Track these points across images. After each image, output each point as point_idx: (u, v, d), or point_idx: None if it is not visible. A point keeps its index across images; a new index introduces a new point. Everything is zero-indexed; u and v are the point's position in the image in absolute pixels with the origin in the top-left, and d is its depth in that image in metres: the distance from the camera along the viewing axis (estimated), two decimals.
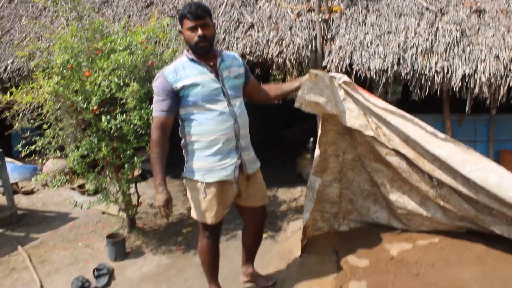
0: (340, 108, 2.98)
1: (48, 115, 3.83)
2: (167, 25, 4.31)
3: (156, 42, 4.56)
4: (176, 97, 2.57)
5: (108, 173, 4.00)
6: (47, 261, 4.00)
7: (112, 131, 3.67)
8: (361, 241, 3.32)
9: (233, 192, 2.75)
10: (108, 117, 3.64)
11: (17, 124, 3.99)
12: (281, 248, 3.88)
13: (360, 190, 3.50)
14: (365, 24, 4.78)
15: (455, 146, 2.81)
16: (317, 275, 3.04)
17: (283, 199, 5.14)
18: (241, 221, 3.21)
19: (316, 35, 4.77)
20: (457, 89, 4.19)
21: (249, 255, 3.23)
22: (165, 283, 3.51)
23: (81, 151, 3.69)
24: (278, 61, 4.80)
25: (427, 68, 4.24)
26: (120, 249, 3.92)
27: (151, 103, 3.69)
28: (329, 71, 4.51)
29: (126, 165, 3.87)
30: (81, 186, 5.55)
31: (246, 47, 4.88)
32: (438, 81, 4.21)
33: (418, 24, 4.60)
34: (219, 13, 5.32)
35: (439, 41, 4.38)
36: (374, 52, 4.46)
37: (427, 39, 4.41)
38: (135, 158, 3.88)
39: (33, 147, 3.80)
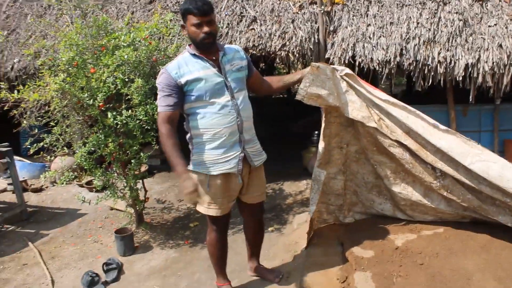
0: (343, 100, 2.99)
1: (55, 112, 3.88)
2: (170, 20, 4.33)
3: (159, 38, 4.59)
4: (181, 92, 2.59)
5: (115, 168, 4.05)
6: (57, 256, 4.06)
7: (118, 127, 3.71)
8: (366, 232, 3.35)
9: (238, 185, 2.79)
10: (114, 113, 3.68)
11: (25, 122, 4.04)
12: (287, 241, 3.91)
13: (364, 182, 3.53)
14: (367, 15, 4.78)
15: (457, 138, 2.83)
16: (323, 267, 3.08)
17: (288, 192, 5.18)
18: None
19: (318, 27, 4.78)
20: (461, 79, 4.19)
21: (253, 250, 3.26)
22: (173, 277, 3.56)
23: (88, 147, 3.73)
24: (281, 54, 4.82)
25: (430, 58, 4.24)
26: (128, 244, 3.98)
27: (156, 98, 3.75)
28: (332, 63, 4.52)
29: (132, 161, 3.92)
30: (89, 183, 5.61)
31: (249, 41, 4.89)
32: (441, 71, 4.21)
33: (420, 15, 4.59)
34: (221, 7, 5.33)
35: (441, 31, 4.37)
36: (377, 43, 4.46)
37: (430, 29, 4.40)
38: (142, 154, 3.92)
39: (41, 144, 3.85)
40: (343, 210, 3.66)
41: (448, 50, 4.25)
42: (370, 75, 4.57)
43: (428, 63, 4.24)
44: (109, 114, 3.66)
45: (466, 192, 2.96)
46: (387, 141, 3.08)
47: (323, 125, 3.24)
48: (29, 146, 3.85)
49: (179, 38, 4.71)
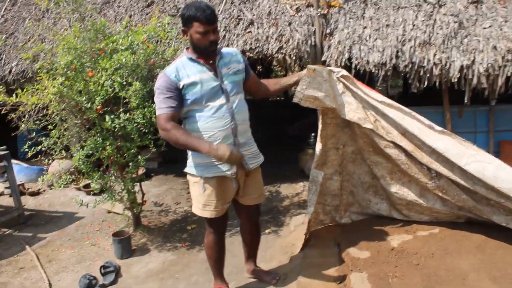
0: (339, 102, 3.01)
1: (53, 115, 3.89)
2: (168, 24, 4.36)
3: (157, 41, 4.61)
4: (180, 95, 2.60)
5: (113, 171, 4.07)
6: (55, 260, 4.07)
7: (116, 130, 3.74)
8: (362, 233, 3.36)
9: (232, 188, 2.80)
10: (112, 116, 3.70)
11: (23, 125, 4.06)
12: (284, 242, 3.93)
13: (360, 182, 3.55)
14: (363, 18, 4.80)
15: (452, 139, 2.85)
16: (319, 268, 3.08)
17: (285, 195, 5.20)
18: None
19: (315, 30, 4.80)
20: (456, 80, 4.21)
21: (250, 252, 3.28)
22: (171, 279, 3.58)
23: (86, 150, 3.75)
24: (278, 57, 4.84)
25: (426, 60, 4.26)
26: (126, 246, 3.99)
27: (153, 101, 3.77)
28: (329, 65, 4.54)
29: (130, 164, 3.94)
30: (86, 186, 5.63)
31: (246, 43, 4.92)
32: (436, 73, 4.23)
33: (416, 17, 4.61)
34: (219, 10, 5.35)
35: (437, 33, 4.40)
36: (373, 45, 4.48)
37: (425, 32, 4.43)
38: (139, 157, 3.95)
39: (39, 147, 3.87)
40: (340, 211, 3.67)
41: (443, 52, 4.27)
42: (366, 77, 4.59)
43: (423, 65, 4.27)
44: (107, 117, 3.68)
45: (461, 193, 2.98)
46: (383, 142, 3.10)
47: (320, 126, 3.25)
48: (27, 150, 3.87)
49: (176, 42, 4.73)
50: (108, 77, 3.67)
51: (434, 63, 4.23)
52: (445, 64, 4.21)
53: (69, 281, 3.68)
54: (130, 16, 5.82)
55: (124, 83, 3.71)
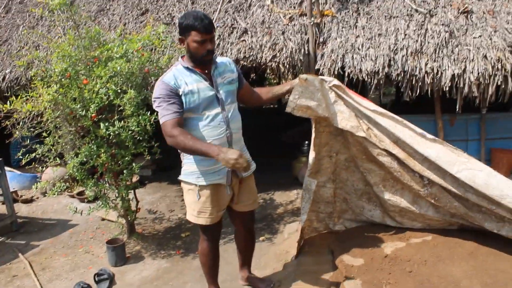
0: (332, 111, 3.05)
1: (47, 123, 3.89)
2: (162, 32, 4.38)
3: (151, 49, 4.63)
4: (181, 100, 2.59)
5: (107, 179, 4.06)
6: (48, 267, 4.05)
7: (111, 137, 3.74)
8: (356, 240, 3.39)
9: (227, 195, 2.82)
10: (107, 124, 3.71)
11: (17, 132, 4.05)
12: (278, 250, 3.94)
13: (354, 189, 3.58)
14: (356, 27, 4.86)
15: (444, 147, 2.89)
16: (313, 275, 3.11)
17: (279, 202, 5.21)
18: None
19: (308, 39, 4.85)
20: (447, 89, 4.27)
21: (244, 259, 3.29)
22: (165, 287, 3.58)
23: (80, 158, 3.75)
24: (271, 65, 4.88)
25: (417, 69, 4.32)
26: (120, 254, 3.98)
27: (148, 109, 3.78)
28: (322, 74, 4.58)
29: (125, 171, 3.94)
30: (80, 194, 5.61)
31: (240, 52, 4.95)
32: (428, 82, 4.28)
33: (408, 26, 4.68)
34: (213, 19, 5.39)
35: (428, 42, 4.46)
36: (366, 54, 4.54)
37: (417, 41, 4.49)
38: (134, 164, 3.95)
39: (33, 155, 3.86)
40: (333, 218, 3.70)
41: (435, 61, 4.33)
42: (359, 86, 4.64)
43: (415, 73, 4.32)
44: (102, 125, 3.69)
45: (453, 200, 3.02)
46: (376, 150, 3.14)
47: (313, 135, 3.28)
48: (21, 157, 3.86)
49: (171, 50, 4.76)
50: (103, 84, 3.68)
51: (426, 72, 4.29)
52: (437, 73, 4.27)
53: None
54: (125, 24, 5.83)
55: (119, 91, 3.72)
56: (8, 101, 3.78)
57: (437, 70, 4.28)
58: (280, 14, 5.23)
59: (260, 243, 4.08)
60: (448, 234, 3.29)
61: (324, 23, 4.99)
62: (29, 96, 3.81)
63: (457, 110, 4.39)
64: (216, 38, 5.09)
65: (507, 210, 2.77)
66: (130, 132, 3.71)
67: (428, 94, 4.41)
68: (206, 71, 2.67)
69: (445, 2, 4.85)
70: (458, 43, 4.40)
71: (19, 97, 3.79)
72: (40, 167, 4.00)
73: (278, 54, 4.84)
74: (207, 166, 2.70)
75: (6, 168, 5.53)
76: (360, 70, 4.46)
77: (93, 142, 3.81)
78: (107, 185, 4.11)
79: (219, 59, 2.80)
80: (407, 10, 4.84)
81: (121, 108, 3.71)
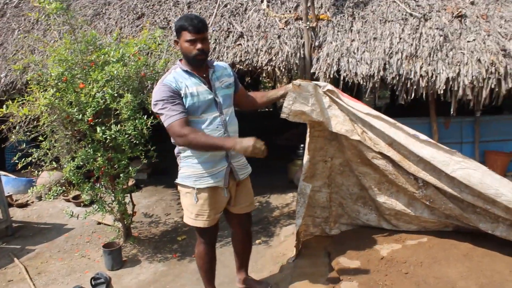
0: (326, 115, 3.06)
1: (43, 127, 3.89)
2: (159, 36, 4.39)
3: (148, 53, 4.64)
4: (183, 101, 2.60)
5: (104, 183, 4.06)
6: (44, 272, 4.04)
7: (107, 141, 3.74)
8: (352, 242, 3.41)
9: (224, 197, 2.84)
10: (103, 127, 3.71)
11: (13, 136, 4.04)
12: (275, 252, 3.95)
13: (349, 194, 3.60)
14: (351, 31, 4.90)
15: (437, 147, 2.91)
16: (310, 277, 3.11)
17: (275, 205, 5.22)
18: None
19: (304, 43, 4.89)
20: (442, 92, 4.32)
21: (242, 262, 3.30)
22: None
23: (77, 161, 3.74)
24: (267, 69, 4.90)
25: (412, 72, 4.36)
26: (116, 258, 3.97)
27: (144, 113, 3.79)
28: (317, 77, 4.62)
29: (121, 175, 3.94)
30: (75, 198, 5.60)
31: (236, 56, 4.98)
32: (423, 85, 4.33)
33: (403, 30, 4.72)
34: (209, 23, 5.41)
35: (423, 46, 4.51)
36: (361, 58, 4.58)
37: (412, 44, 4.53)
38: (130, 168, 3.95)
39: (29, 159, 3.85)
40: (329, 222, 3.71)
41: (429, 64, 4.38)
42: (354, 89, 4.68)
43: (410, 77, 4.37)
44: (98, 129, 3.68)
45: (448, 201, 3.04)
46: (371, 153, 3.16)
47: (307, 139, 3.30)
48: (17, 161, 3.85)
49: (167, 54, 4.77)
50: (100, 88, 3.68)
51: (421, 75, 4.34)
52: (431, 76, 4.32)
53: None
54: (121, 28, 5.84)
55: (116, 94, 3.73)
56: (4, 105, 3.78)
57: (432, 74, 4.32)
58: (276, 18, 5.27)
59: (257, 246, 4.09)
60: (444, 235, 3.32)
61: (320, 27, 5.03)
62: (25, 100, 3.80)
63: (451, 113, 4.43)
64: (212, 42, 5.12)
65: (502, 209, 2.80)
66: (126, 135, 3.71)
67: (423, 97, 4.46)
68: (204, 75, 2.69)
69: (440, 6, 4.91)
70: (452, 46, 4.46)
71: (15, 101, 3.79)
72: (36, 171, 4.00)
73: (274, 58, 4.87)
74: (204, 169, 2.71)
75: (1, 173, 5.52)
76: (356, 74, 4.50)
77: (89, 146, 3.81)
78: (104, 189, 4.11)
79: (216, 64, 2.82)
80: (402, 14, 4.89)
81: (118, 112, 3.71)
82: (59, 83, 3.77)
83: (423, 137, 2.95)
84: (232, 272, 3.43)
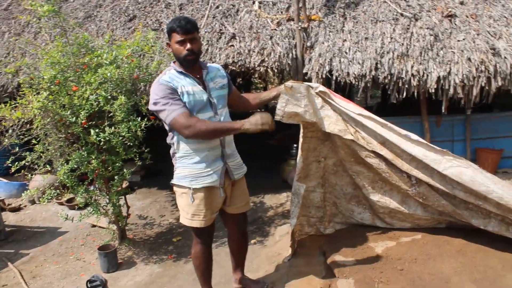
0: (319, 116, 3.07)
1: (37, 130, 3.87)
2: (152, 38, 4.40)
3: (140, 55, 4.64)
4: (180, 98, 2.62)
5: (98, 185, 4.05)
6: (39, 276, 4.02)
7: (101, 143, 3.73)
8: (347, 241, 3.43)
9: (220, 197, 2.85)
10: (97, 130, 3.70)
11: (6, 140, 4.02)
12: (270, 252, 3.97)
13: (343, 193, 3.62)
14: (343, 31, 4.94)
15: (428, 147, 2.94)
16: (306, 276, 3.13)
17: (269, 205, 5.24)
18: None
19: (296, 43, 4.91)
20: (433, 91, 4.37)
21: (237, 262, 3.31)
22: None
23: (71, 164, 3.73)
24: (260, 70, 4.92)
25: (404, 71, 4.41)
26: (112, 260, 3.97)
27: (138, 115, 3.79)
28: (310, 78, 4.65)
29: (116, 177, 3.93)
30: (69, 201, 5.57)
31: (229, 57, 4.99)
32: (414, 84, 4.38)
33: (394, 30, 4.77)
34: (201, 25, 5.43)
35: (414, 46, 4.56)
36: (353, 58, 4.61)
37: (403, 44, 4.58)
38: (124, 170, 3.95)
39: (22, 162, 3.83)
40: (324, 222, 3.74)
41: (420, 63, 4.43)
42: (347, 89, 4.72)
43: (402, 76, 4.41)
44: (92, 131, 3.68)
45: (440, 198, 3.08)
46: (364, 152, 3.19)
47: (301, 140, 3.32)
48: (10, 165, 3.83)
49: (159, 56, 4.77)
50: (93, 91, 3.68)
51: (412, 74, 4.38)
52: (423, 75, 4.37)
53: None
54: (112, 31, 5.83)
55: (109, 97, 3.72)
56: None
57: (423, 73, 4.37)
58: (268, 19, 5.29)
59: (252, 246, 4.10)
60: (437, 232, 3.36)
61: (312, 28, 5.06)
62: (18, 103, 3.78)
63: (442, 111, 4.48)
64: (204, 44, 5.13)
65: (493, 205, 2.85)
66: (120, 138, 3.71)
67: (415, 96, 4.50)
68: (198, 76, 2.71)
69: (430, 6, 4.96)
70: (442, 46, 4.51)
71: (8, 104, 3.77)
72: (29, 175, 3.98)
73: (266, 59, 4.89)
74: (200, 169, 2.72)
75: None
76: (348, 74, 4.54)
77: (83, 148, 3.80)
78: (98, 191, 4.10)
79: (209, 65, 2.84)
80: (393, 14, 4.94)
81: (112, 114, 3.71)
82: (52, 86, 3.75)
83: (415, 137, 2.98)
84: (228, 272, 3.44)
